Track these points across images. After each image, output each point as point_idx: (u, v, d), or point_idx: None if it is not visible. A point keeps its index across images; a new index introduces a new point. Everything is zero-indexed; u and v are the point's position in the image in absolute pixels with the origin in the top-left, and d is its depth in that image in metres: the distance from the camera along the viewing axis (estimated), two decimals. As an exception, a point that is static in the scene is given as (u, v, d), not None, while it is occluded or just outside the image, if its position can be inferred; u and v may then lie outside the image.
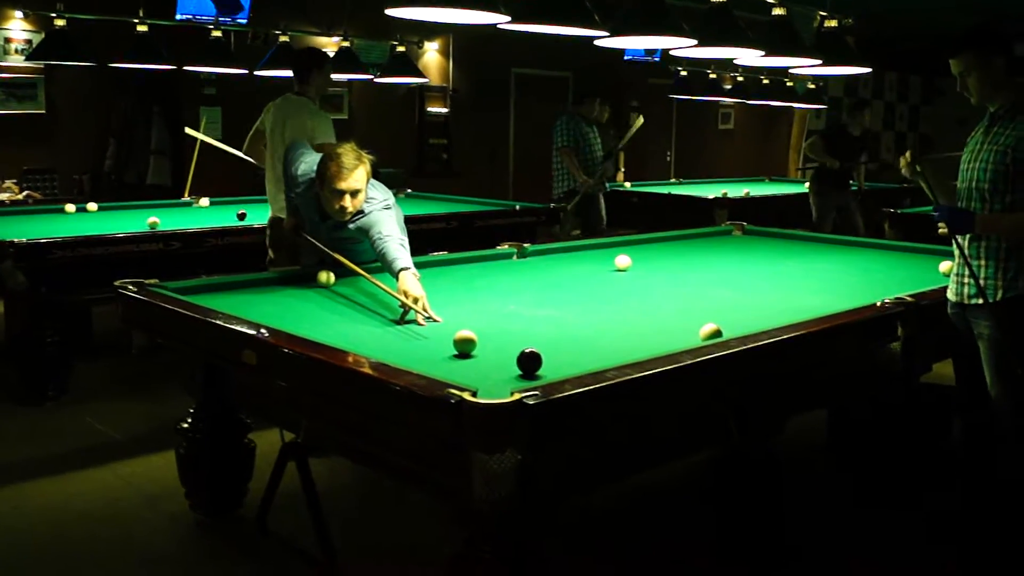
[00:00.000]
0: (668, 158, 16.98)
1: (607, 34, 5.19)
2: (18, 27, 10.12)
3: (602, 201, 10.02)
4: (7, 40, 10.05)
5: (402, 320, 4.18)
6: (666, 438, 3.63)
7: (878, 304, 4.33)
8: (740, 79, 14.46)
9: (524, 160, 14.84)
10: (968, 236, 4.23)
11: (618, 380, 3.06)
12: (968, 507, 4.56)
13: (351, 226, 4.84)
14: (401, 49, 11.05)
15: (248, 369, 3.79)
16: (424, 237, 6.56)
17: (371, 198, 4.87)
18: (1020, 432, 4.19)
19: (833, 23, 7.04)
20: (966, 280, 4.26)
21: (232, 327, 3.81)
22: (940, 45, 4.51)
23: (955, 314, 4.39)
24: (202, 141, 9.06)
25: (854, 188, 10.90)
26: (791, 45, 6.56)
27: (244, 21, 9.94)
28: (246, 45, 10.91)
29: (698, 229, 7.64)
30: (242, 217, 7.54)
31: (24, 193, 9.89)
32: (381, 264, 4.62)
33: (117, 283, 4.53)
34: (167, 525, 4.72)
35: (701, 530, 4.54)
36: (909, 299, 4.36)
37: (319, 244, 5.00)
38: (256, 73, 9.61)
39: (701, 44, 5.73)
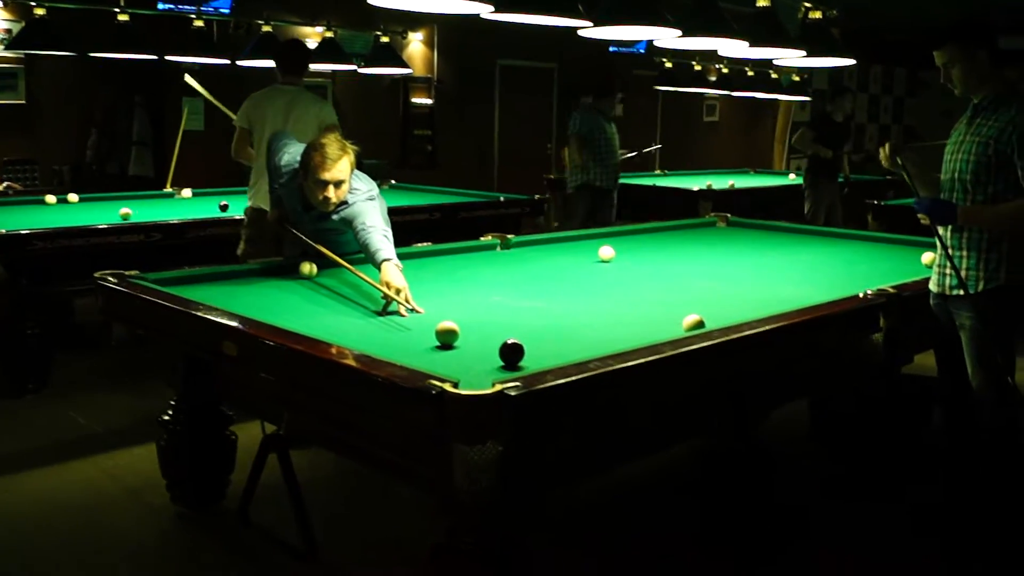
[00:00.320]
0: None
1: (591, 24, 5.17)
2: (-2, 16, 10.07)
3: (615, 198, 10.01)
4: (-13, 30, 10.00)
5: (384, 311, 4.16)
6: (649, 429, 3.63)
7: (861, 295, 4.34)
8: (725, 71, 14.45)
9: (509, 152, 14.82)
10: (950, 227, 4.24)
11: (600, 371, 3.06)
12: (950, 497, 4.56)
13: (335, 217, 4.82)
14: (385, 39, 11.02)
15: (229, 361, 3.77)
16: (408, 228, 6.54)
17: (355, 189, 4.85)
18: (1001, 422, 4.20)
19: (818, 15, 7.04)
20: (948, 271, 4.27)
21: (213, 318, 3.79)
22: (925, 37, 4.51)
23: (937, 305, 4.40)
24: (201, 96, 8.99)
25: (840, 180, 10.94)
26: (776, 37, 6.56)
27: (227, 11, 9.89)
28: (229, 35, 10.86)
29: (682, 220, 7.64)
30: (224, 208, 7.51)
31: (4, 184, 9.83)
32: (364, 255, 4.60)
33: (97, 275, 4.50)
34: (149, 517, 4.70)
35: (686, 522, 4.55)
36: (891, 290, 4.37)
37: (302, 236, 4.98)
38: (239, 63, 9.57)
39: (686, 35, 5.73)
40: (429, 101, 13.70)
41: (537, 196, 9.06)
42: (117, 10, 8.47)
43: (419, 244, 5.75)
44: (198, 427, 4.61)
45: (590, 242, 6.26)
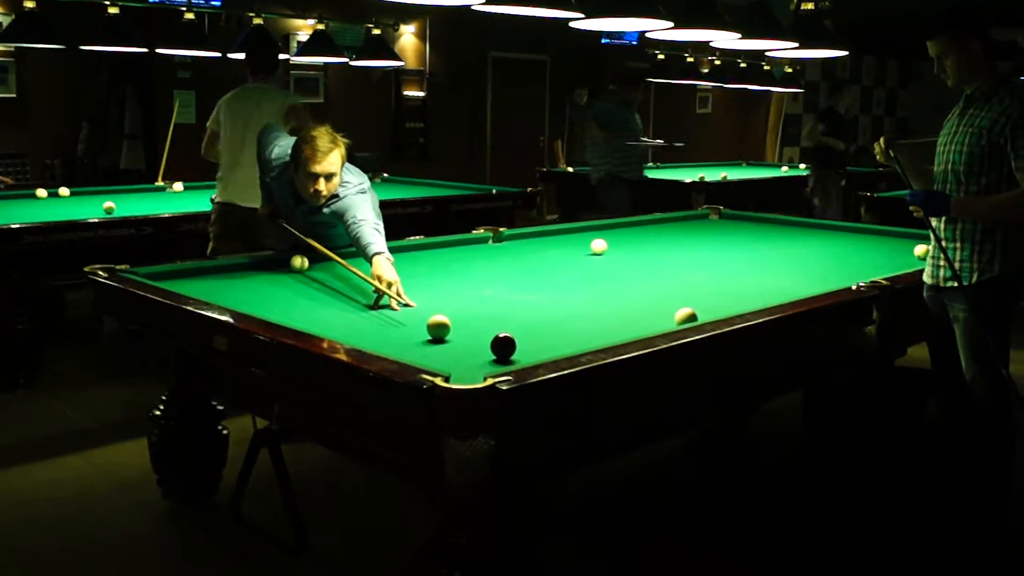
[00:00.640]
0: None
1: (582, 16, 5.16)
2: (-12, 9, 10.03)
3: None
4: (-23, 23, 9.96)
5: (376, 305, 4.15)
6: (641, 422, 3.62)
7: (853, 287, 4.33)
8: (717, 63, 14.44)
9: (501, 144, 14.81)
10: (944, 219, 4.23)
11: (592, 365, 3.05)
12: (946, 489, 4.57)
13: (325, 210, 4.81)
14: (376, 32, 10.99)
15: (220, 355, 3.76)
16: (400, 221, 6.52)
17: (346, 182, 4.83)
18: (995, 414, 4.20)
19: (810, 6, 7.02)
20: (942, 263, 4.26)
21: (204, 313, 3.78)
22: (918, 28, 4.50)
23: (931, 297, 4.39)
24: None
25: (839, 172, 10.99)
26: (768, 28, 6.55)
27: (217, 3, 9.87)
28: (220, 27, 10.84)
29: (675, 213, 7.63)
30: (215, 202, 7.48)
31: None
32: (355, 249, 4.58)
33: (88, 269, 4.49)
34: (140, 512, 4.68)
35: (678, 513, 4.55)
36: (884, 282, 4.36)
37: (294, 230, 4.97)
38: (230, 56, 9.54)
39: (678, 26, 5.71)
40: (421, 94, 13.69)
41: (529, 189, 9.03)
42: (107, 2, 8.44)
43: (411, 237, 5.73)
44: (189, 422, 4.59)
45: (582, 235, 6.24)
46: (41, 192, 7.91)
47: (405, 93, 13.54)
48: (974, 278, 4.14)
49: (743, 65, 14.34)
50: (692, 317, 3.69)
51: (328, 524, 4.48)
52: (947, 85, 4.29)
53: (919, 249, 5.26)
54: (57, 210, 6.99)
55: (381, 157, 12.15)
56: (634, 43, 13.95)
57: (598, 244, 5.65)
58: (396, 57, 11.41)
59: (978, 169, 4.10)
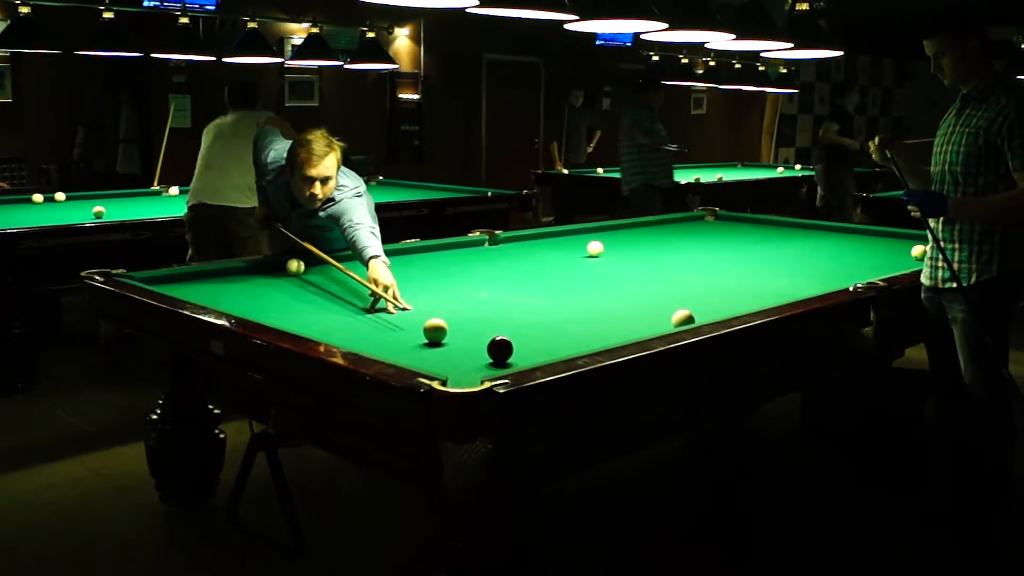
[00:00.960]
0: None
1: (577, 18, 5.16)
2: (-18, 15, 10.02)
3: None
4: (-28, 28, 9.94)
5: (372, 309, 4.15)
6: (638, 425, 3.62)
7: (851, 288, 4.33)
8: (712, 64, 14.45)
9: (496, 147, 14.81)
10: (942, 220, 4.22)
11: (589, 367, 3.05)
12: (945, 490, 4.57)
13: (322, 214, 4.81)
14: (371, 35, 10.98)
15: (217, 359, 3.76)
16: (395, 224, 6.53)
17: (342, 186, 4.83)
18: (994, 415, 4.20)
19: (805, 6, 7.02)
20: (940, 264, 4.25)
21: (200, 317, 3.78)
22: (914, 27, 4.50)
23: (929, 298, 4.39)
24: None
25: None
26: (763, 29, 6.55)
27: (212, 8, 9.86)
28: (214, 32, 10.83)
29: (670, 215, 7.63)
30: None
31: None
32: (351, 252, 4.58)
33: (84, 273, 4.48)
34: (137, 516, 4.68)
35: (676, 515, 4.55)
36: (881, 283, 4.36)
37: (290, 234, 4.97)
38: (225, 60, 9.54)
39: (672, 28, 5.71)
40: (416, 96, 13.68)
41: (525, 191, 9.03)
42: (102, 7, 8.42)
43: (407, 240, 5.72)
44: (186, 426, 4.59)
45: (578, 237, 6.24)
46: (37, 197, 7.90)
47: (400, 96, 13.54)
48: (973, 279, 4.14)
49: (738, 66, 14.35)
50: (689, 319, 3.69)
51: (325, 527, 4.48)
52: (943, 84, 4.29)
53: (916, 250, 5.26)
54: (53, 215, 6.99)
55: (376, 160, 12.15)
56: (628, 44, 13.94)
57: (594, 246, 5.65)
58: (391, 60, 11.40)
59: (975, 170, 4.09)
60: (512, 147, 14.87)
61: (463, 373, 2.97)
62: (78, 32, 8.64)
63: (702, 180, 10.41)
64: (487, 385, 2.75)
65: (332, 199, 4.78)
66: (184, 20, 9.07)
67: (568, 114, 13.24)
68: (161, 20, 9.54)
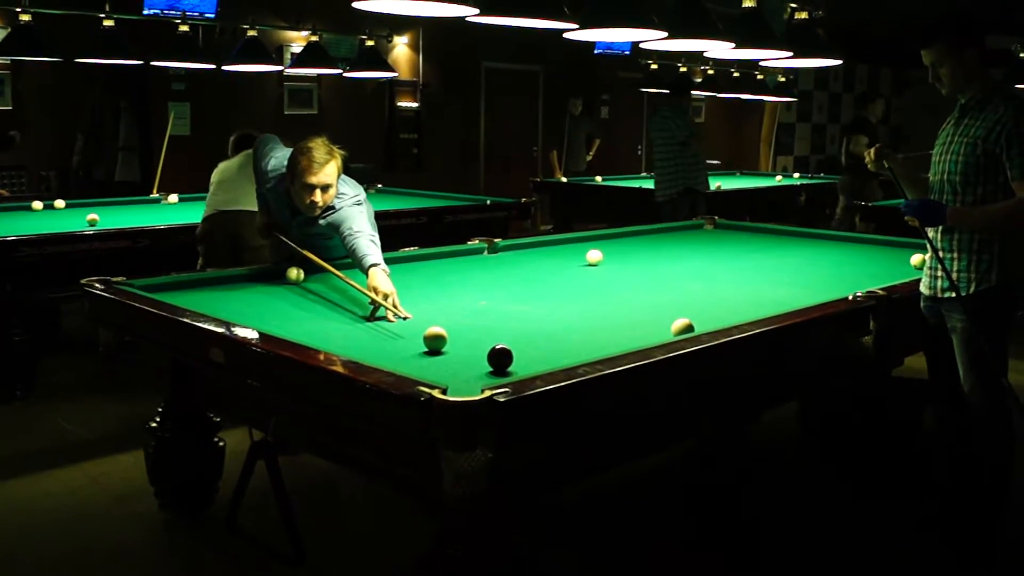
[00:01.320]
0: (639, 152, 16.99)
1: (576, 27, 5.17)
2: (-17, 23, 10.03)
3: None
4: (-28, 36, 9.95)
5: (372, 317, 4.15)
6: (639, 433, 3.61)
7: (850, 297, 4.33)
8: (711, 72, 14.47)
9: (495, 155, 14.82)
10: (940, 229, 4.22)
11: (589, 376, 3.04)
12: (945, 498, 4.57)
13: (321, 222, 4.81)
14: (370, 43, 11.00)
15: (216, 367, 3.75)
16: (394, 232, 6.52)
17: (342, 194, 4.83)
18: (993, 424, 4.20)
19: (803, 15, 7.04)
20: (939, 274, 4.25)
21: (200, 325, 3.78)
22: (912, 36, 4.50)
23: (928, 308, 4.39)
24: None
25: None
26: (761, 37, 6.56)
27: (212, 15, 9.87)
28: (214, 40, 10.85)
29: (669, 223, 7.63)
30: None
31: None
32: (351, 260, 4.58)
33: (84, 281, 4.48)
34: (136, 524, 4.68)
35: (676, 522, 4.55)
36: (881, 292, 4.36)
37: (290, 242, 4.97)
38: (224, 68, 9.55)
39: (671, 36, 5.72)
40: (415, 104, 13.70)
41: (524, 199, 9.03)
42: (102, 15, 8.44)
43: (406, 248, 5.73)
44: (186, 434, 4.59)
45: (577, 246, 6.25)
46: (37, 204, 7.91)
47: (399, 104, 13.56)
48: (972, 288, 4.14)
49: (736, 74, 14.37)
50: (689, 328, 3.69)
51: (325, 535, 4.48)
52: (941, 93, 4.29)
53: (915, 259, 5.27)
54: (52, 222, 6.98)
55: (375, 168, 12.16)
56: (627, 53, 13.97)
57: (593, 255, 5.65)
58: (389, 68, 11.42)
59: (974, 179, 4.10)
60: (511, 155, 14.89)
61: (463, 382, 2.97)
62: (78, 40, 8.67)
63: (701, 188, 10.40)
64: (487, 394, 2.74)
65: (332, 207, 4.78)
66: (184, 28, 9.09)
67: (567, 122, 13.24)
68: (161, 28, 9.55)
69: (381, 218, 5.53)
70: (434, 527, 3.08)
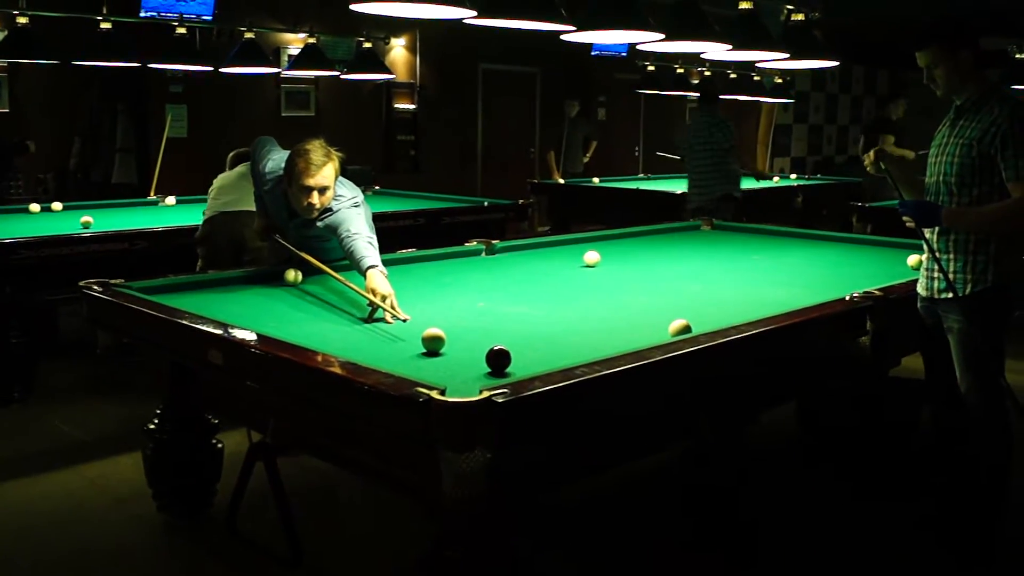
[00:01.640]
0: (636, 153, 17.00)
1: (574, 29, 5.17)
2: (-20, 25, 10.02)
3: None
4: (-31, 38, 9.94)
5: (370, 318, 4.15)
6: (637, 434, 3.62)
7: (847, 298, 4.34)
8: (707, 73, 14.47)
9: (492, 156, 14.83)
10: (936, 230, 4.24)
11: (588, 377, 3.05)
12: (942, 498, 4.58)
13: (319, 224, 4.81)
14: (368, 45, 11.00)
15: (215, 369, 3.76)
16: (392, 234, 6.53)
17: (339, 196, 4.84)
18: (990, 424, 4.21)
19: (800, 17, 7.05)
20: (936, 275, 4.26)
21: (198, 327, 3.78)
22: (907, 37, 4.51)
23: (925, 308, 4.40)
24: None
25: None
26: (758, 39, 6.57)
27: (209, 18, 9.87)
28: (212, 42, 10.85)
29: (666, 224, 7.64)
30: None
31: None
32: (349, 262, 4.59)
33: (82, 283, 4.48)
34: (135, 527, 4.67)
35: (674, 523, 4.55)
36: (878, 293, 4.38)
37: (288, 244, 4.97)
38: (222, 70, 9.56)
39: (668, 38, 5.73)
40: (412, 106, 13.71)
41: (521, 201, 9.03)
42: (100, 17, 8.44)
43: (403, 250, 5.73)
44: (184, 436, 4.59)
45: (575, 247, 6.25)
46: (34, 207, 7.91)
47: (396, 106, 13.56)
48: (968, 289, 4.15)
49: (733, 76, 14.37)
50: (686, 329, 3.70)
51: (324, 537, 4.48)
52: (936, 95, 4.31)
53: (912, 259, 5.28)
54: (50, 224, 6.98)
55: (373, 170, 12.16)
56: (624, 54, 13.98)
57: (591, 256, 5.66)
58: (387, 70, 11.42)
59: (969, 180, 4.10)
60: (508, 157, 14.90)
61: (461, 382, 2.98)
62: (75, 42, 8.66)
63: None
64: (486, 394, 2.75)
65: (330, 209, 4.79)
66: (181, 30, 9.09)
67: (564, 124, 13.25)
68: (158, 30, 9.54)
69: (379, 220, 5.54)
70: (433, 528, 3.09)
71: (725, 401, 3.88)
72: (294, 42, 11.82)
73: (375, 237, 4.73)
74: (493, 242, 6.08)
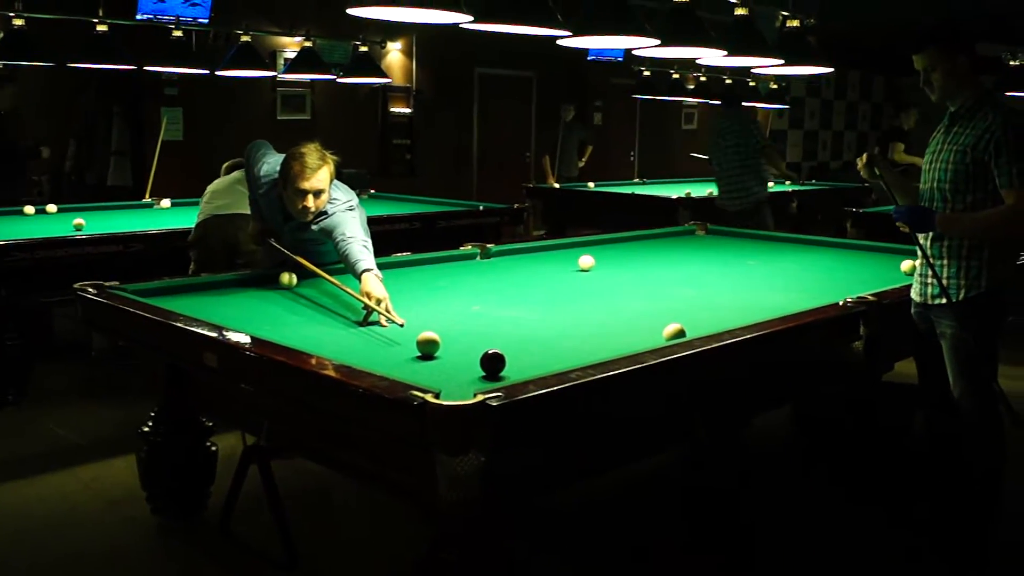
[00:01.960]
0: (632, 158, 17.02)
1: (570, 34, 5.18)
2: (-25, 27, 10.00)
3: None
4: (-35, 40, 9.93)
5: (365, 322, 4.16)
6: (632, 437, 3.63)
7: (841, 303, 4.34)
8: (703, 79, 14.49)
9: (488, 160, 14.83)
10: (930, 236, 4.25)
11: (582, 381, 3.06)
12: (935, 502, 4.58)
13: (314, 227, 4.82)
14: (364, 49, 11.00)
15: (209, 371, 3.76)
16: (387, 238, 6.54)
17: (334, 199, 4.84)
18: (983, 429, 4.22)
19: (795, 23, 7.06)
20: (929, 280, 4.27)
21: (193, 329, 3.78)
22: (902, 42, 4.53)
23: (918, 314, 4.41)
24: None
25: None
26: (754, 45, 6.58)
27: (205, 20, 9.87)
28: (207, 45, 10.85)
29: (661, 229, 7.64)
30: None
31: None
32: (344, 266, 4.59)
33: (77, 285, 4.48)
34: (129, 529, 4.67)
35: (672, 525, 4.56)
36: (871, 298, 4.38)
37: (282, 248, 4.97)
38: (218, 73, 9.55)
39: (664, 44, 5.73)
40: (408, 110, 13.71)
41: (516, 205, 9.04)
42: (96, 20, 8.43)
43: (398, 254, 5.74)
44: (178, 438, 4.59)
45: (570, 251, 6.26)
46: (29, 209, 7.90)
47: (392, 110, 13.56)
48: (961, 294, 4.16)
49: (728, 81, 14.39)
50: (680, 333, 3.71)
51: (319, 540, 4.48)
52: (931, 100, 4.32)
53: (905, 265, 5.29)
54: (45, 227, 6.98)
55: (368, 173, 12.15)
56: (619, 59, 13.99)
57: (585, 260, 5.67)
58: (383, 74, 11.42)
59: (963, 187, 4.12)
60: (504, 161, 14.90)
61: (456, 386, 2.99)
62: (71, 44, 8.65)
63: (693, 195, 10.41)
64: (480, 398, 2.76)
65: (324, 212, 4.80)
66: (177, 33, 9.07)
67: (560, 128, 13.25)
68: (154, 33, 9.53)
69: (374, 223, 5.54)
70: (428, 532, 3.09)
71: (719, 405, 3.88)
72: (290, 45, 11.83)
73: (370, 240, 4.73)
74: (488, 246, 6.09)
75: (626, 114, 16.58)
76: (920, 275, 4.37)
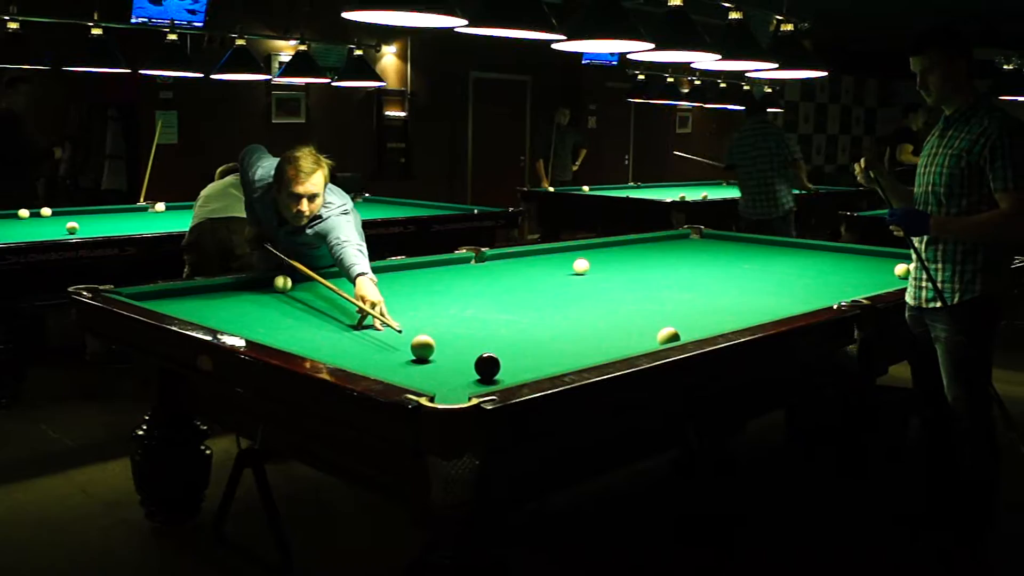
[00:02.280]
0: (626, 162, 17.03)
1: (564, 38, 5.18)
2: (-31, 30, 9.99)
3: None
4: (-41, 43, 9.92)
5: (359, 325, 4.16)
6: (625, 441, 3.63)
7: (835, 307, 4.35)
8: (697, 83, 14.51)
9: (482, 164, 14.84)
10: (925, 240, 4.26)
11: (576, 384, 3.06)
12: (929, 505, 4.59)
13: (309, 231, 4.82)
14: (359, 53, 11.01)
15: (204, 375, 3.76)
16: (382, 242, 6.53)
17: (329, 203, 4.84)
18: (977, 433, 4.22)
19: (789, 27, 7.07)
20: (924, 284, 4.28)
21: (188, 333, 3.78)
22: (897, 46, 4.54)
23: (912, 318, 4.42)
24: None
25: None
26: (748, 49, 6.58)
27: (200, 24, 9.86)
28: (202, 48, 10.84)
29: (656, 233, 7.65)
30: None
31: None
32: (339, 269, 4.59)
33: (71, 289, 4.48)
34: (123, 533, 4.67)
35: (662, 530, 4.56)
36: (865, 302, 4.39)
37: (277, 252, 4.97)
38: (212, 77, 9.55)
39: (658, 48, 5.73)
40: (403, 114, 13.71)
41: (511, 208, 9.05)
42: (90, 24, 8.43)
43: (393, 257, 5.73)
44: (173, 442, 4.58)
45: (564, 255, 6.27)
46: (23, 212, 7.89)
47: (387, 113, 13.56)
48: (956, 298, 4.17)
49: (723, 85, 14.41)
50: (675, 337, 3.71)
51: (313, 544, 4.48)
52: (926, 103, 4.33)
53: (899, 268, 5.29)
54: (39, 230, 6.97)
55: (363, 177, 12.15)
56: (614, 63, 14.00)
57: (580, 264, 5.67)
58: (378, 78, 11.43)
59: (958, 191, 4.13)
60: (498, 164, 14.91)
61: (451, 390, 2.99)
62: (66, 48, 8.65)
63: (687, 198, 10.42)
64: (475, 402, 2.76)
65: (319, 216, 4.80)
66: (172, 37, 9.07)
67: (554, 132, 13.26)
68: (149, 36, 9.53)
69: (369, 227, 5.54)
70: (422, 535, 3.09)
71: (713, 409, 3.89)
72: (285, 49, 11.82)
73: (365, 244, 4.74)
74: (483, 250, 6.09)
75: (620, 118, 16.59)
76: (915, 279, 4.38)
